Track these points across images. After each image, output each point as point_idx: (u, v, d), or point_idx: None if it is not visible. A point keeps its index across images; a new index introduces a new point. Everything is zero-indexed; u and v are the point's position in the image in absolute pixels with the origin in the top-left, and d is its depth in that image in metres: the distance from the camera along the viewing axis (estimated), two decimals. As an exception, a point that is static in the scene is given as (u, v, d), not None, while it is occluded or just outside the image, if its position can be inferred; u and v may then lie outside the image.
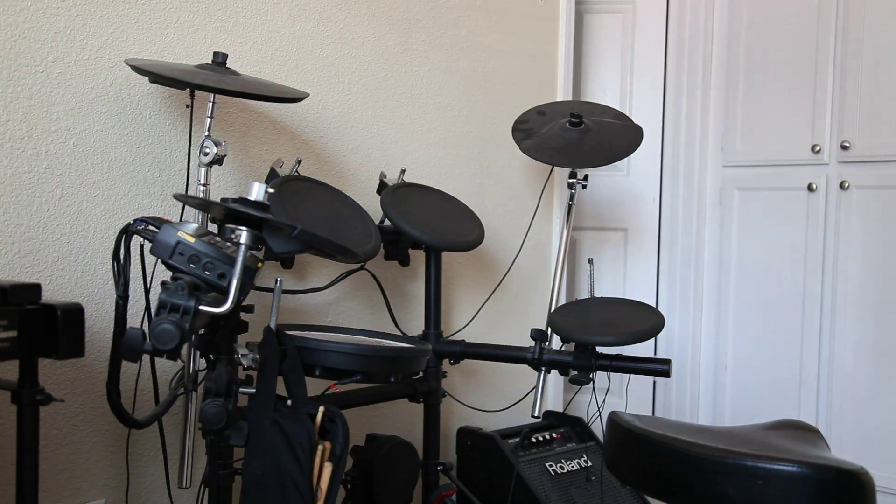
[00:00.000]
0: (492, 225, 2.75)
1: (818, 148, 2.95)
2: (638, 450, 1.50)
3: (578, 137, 2.41)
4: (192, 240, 1.39)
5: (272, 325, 1.59)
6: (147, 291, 1.74)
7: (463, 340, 2.30)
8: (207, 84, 1.70)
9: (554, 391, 3.06)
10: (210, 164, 1.78)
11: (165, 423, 1.89)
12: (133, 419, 1.70)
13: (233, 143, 2.06)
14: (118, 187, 1.85)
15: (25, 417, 1.40)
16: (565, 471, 2.36)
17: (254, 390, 1.54)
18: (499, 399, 2.76)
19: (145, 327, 1.52)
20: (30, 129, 1.71)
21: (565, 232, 2.55)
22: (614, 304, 2.32)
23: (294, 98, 1.91)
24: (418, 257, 2.44)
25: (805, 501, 1.32)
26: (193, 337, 1.55)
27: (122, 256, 1.58)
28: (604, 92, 3.38)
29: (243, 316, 1.61)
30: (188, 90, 1.86)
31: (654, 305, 3.22)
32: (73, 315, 1.39)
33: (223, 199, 1.81)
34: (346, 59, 2.34)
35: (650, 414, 3.36)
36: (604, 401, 2.36)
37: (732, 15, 3.20)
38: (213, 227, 1.79)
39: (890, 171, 2.80)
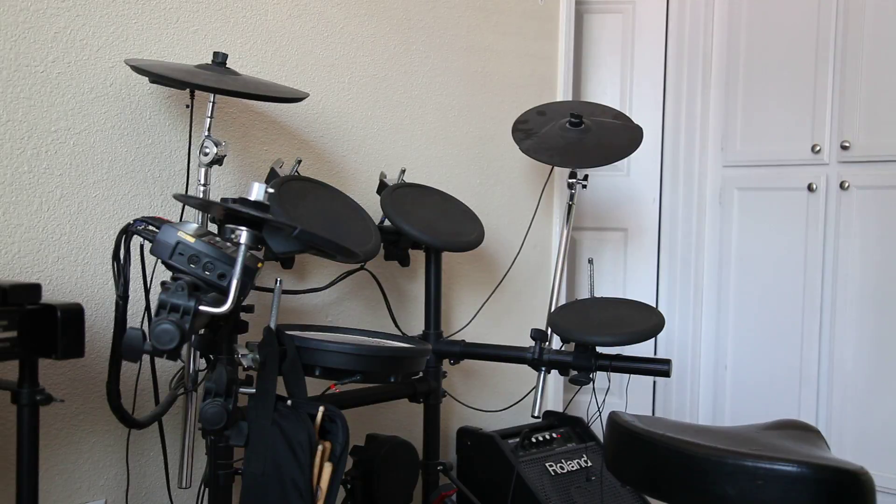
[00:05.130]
0: (492, 225, 2.75)
1: (818, 148, 2.95)
2: (638, 450, 1.50)
3: (578, 137, 2.41)
4: (192, 240, 1.39)
5: (272, 325, 1.59)
6: (147, 291, 1.74)
7: (463, 340, 2.30)
8: (207, 84, 1.70)
9: (554, 391, 3.06)
10: (210, 164, 1.78)
11: (165, 423, 1.89)
12: (133, 419, 1.70)
13: (233, 143, 2.06)
14: (118, 187, 1.85)
15: (25, 417, 1.40)
16: (565, 471, 2.36)
17: (254, 390, 1.54)
18: (499, 399, 2.76)
19: (145, 327, 1.52)
20: (30, 129, 1.71)
21: (565, 232, 2.55)
22: (614, 304, 2.32)
23: (294, 98, 1.91)
24: (418, 257, 2.44)
25: (805, 501, 1.32)
26: (193, 337, 1.55)
27: (122, 256, 1.58)
28: (604, 92, 3.38)
29: (243, 316, 1.61)
30: (188, 90, 1.86)
31: (654, 305, 3.22)
32: (73, 315, 1.39)
33: (223, 199, 1.81)
34: (346, 59, 2.34)
35: (650, 414, 3.36)
36: (604, 401, 2.36)
37: (732, 15, 3.20)
38: (213, 227, 1.79)
39: (890, 171, 2.80)
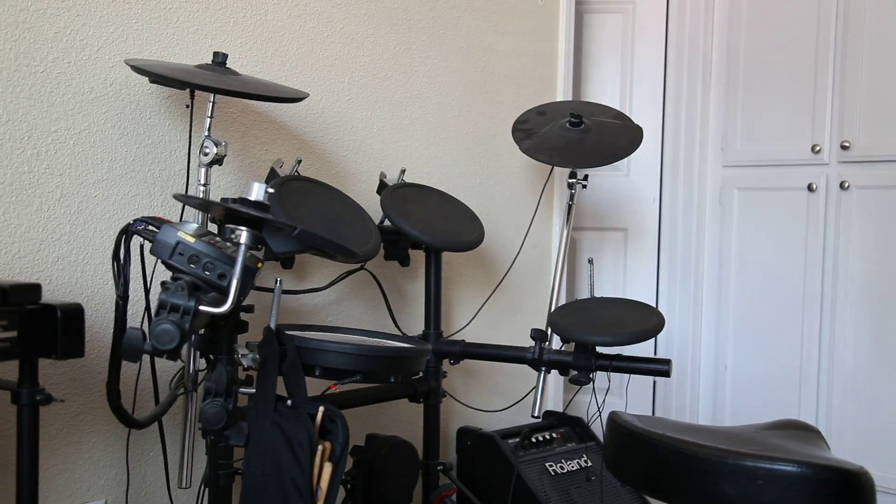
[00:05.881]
0: (492, 225, 2.75)
1: (818, 148, 2.95)
2: (638, 450, 1.50)
3: (578, 137, 2.41)
4: (192, 240, 1.39)
5: (272, 325, 1.59)
6: (147, 291, 1.74)
7: (463, 340, 2.30)
8: (207, 84, 1.70)
9: (554, 391, 3.06)
10: (210, 164, 1.78)
11: (165, 423, 1.89)
12: (133, 419, 1.70)
13: (233, 143, 2.06)
14: (118, 187, 1.85)
15: (25, 417, 1.40)
16: (565, 471, 2.36)
17: (254, 390, 1.54)
18: (499, 399, 2.76)
19: (145, 327, 1.52)
20: (30, 129, 1.71)
21: (565, 232, 2.55)
22: (614, 304, 2.32)
23: (294, 98, 1.91)
24: (418, 257, 2.44)
25: (805, 501, 1.32)
26: (193, 337, 1.55)
27: (122, 256, 1.58)
28: (604, 92, 3.38)
29: (243, 316, 1.61)
30: (188, 90, 1.86)
31: (654, 305, 3.22)
32: (73, 315, 1.39)
33: (223, 199, 1.81)
34: (346, 59, 2.34)
35: (650, 414, 3.36)
36: (604, 401, 2.36)
37: (732, 15, 3.20)
38: (213, 227, 1.79)
39: (890, 171, 2.80)
